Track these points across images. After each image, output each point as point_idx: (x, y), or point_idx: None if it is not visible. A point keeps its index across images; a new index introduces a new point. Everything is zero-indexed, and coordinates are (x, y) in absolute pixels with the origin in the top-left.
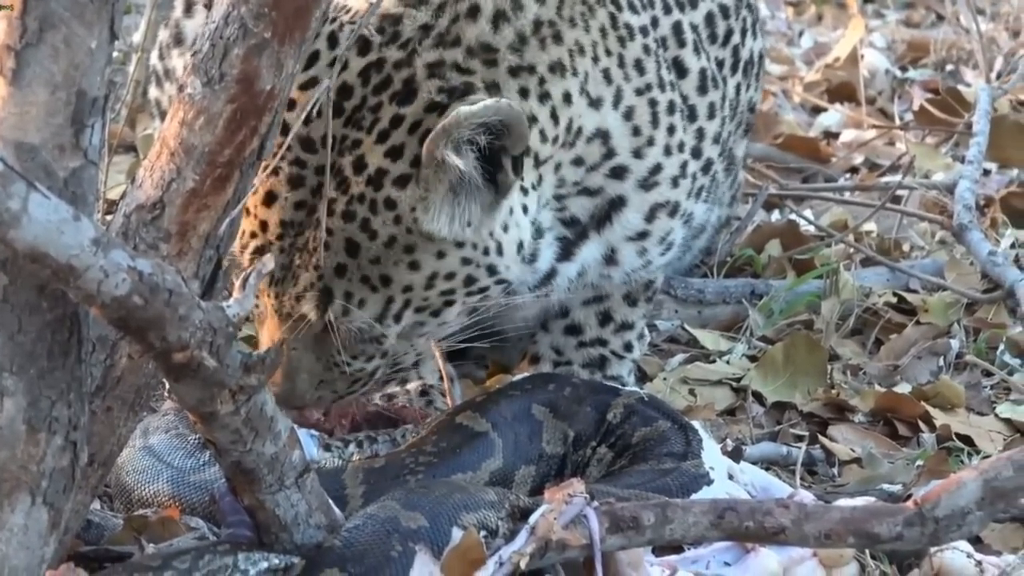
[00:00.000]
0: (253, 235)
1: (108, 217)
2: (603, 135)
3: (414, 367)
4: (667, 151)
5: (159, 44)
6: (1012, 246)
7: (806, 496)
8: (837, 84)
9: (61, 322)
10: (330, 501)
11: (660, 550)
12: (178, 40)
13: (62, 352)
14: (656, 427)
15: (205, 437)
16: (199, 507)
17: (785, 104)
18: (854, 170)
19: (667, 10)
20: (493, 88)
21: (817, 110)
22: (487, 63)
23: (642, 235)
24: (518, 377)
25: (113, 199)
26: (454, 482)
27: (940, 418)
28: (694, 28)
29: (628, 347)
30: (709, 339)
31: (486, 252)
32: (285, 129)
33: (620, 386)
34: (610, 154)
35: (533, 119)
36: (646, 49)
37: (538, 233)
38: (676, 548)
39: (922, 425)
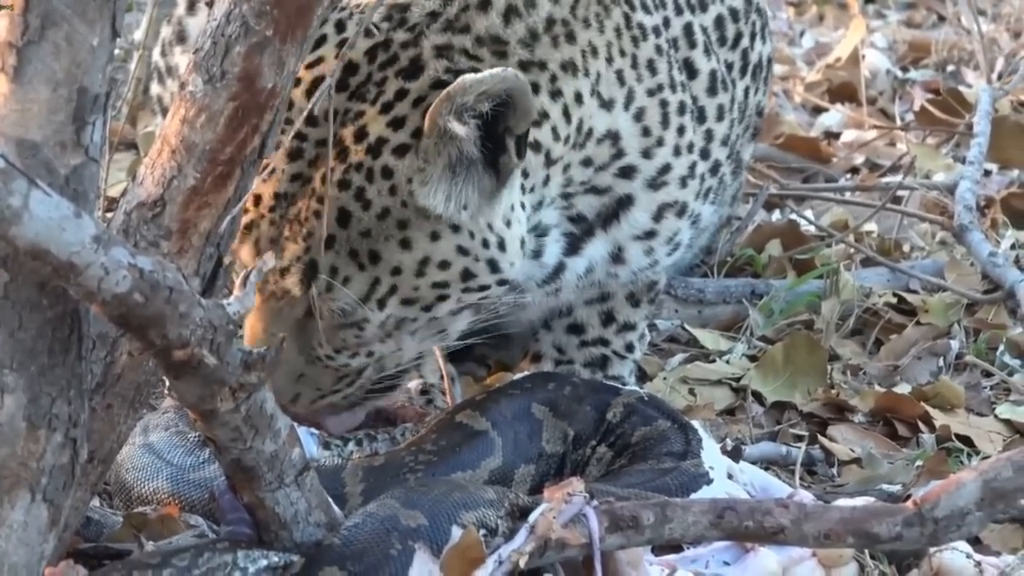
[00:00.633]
0: (245, 210)
1: (109, 214)
2: (613, 136)
3: (402, 375)
4: (676, 151)
5: (161, 41)
6: (1012, 247)
7: (805, 496)
8: (838, 84)
9: (62, 319)
10: (330, 499)
11: (659, 549)
12: (180, 37)
13: (62, 349)
14: (656, 426)
15: (205, 435)
16: (198, 505)
17: (786, 104)
18: (855, 170)
19: (678, 11)
20: None
21: (818, 110)
22: (496, 54)
23: (649, 234)
24: (518, 376)
25: (114, 196)
26: (453, 480)
27: (940, 419)
28: (704, 30)
29: (630, 347)
30: (709, 339)
31: (485, 245)
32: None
33: (620, 385)
34: (619, 154)
35: (545, 115)
36: (658, 49)
37: (543, 230)
38: (675, 547)
39: (922, 425)
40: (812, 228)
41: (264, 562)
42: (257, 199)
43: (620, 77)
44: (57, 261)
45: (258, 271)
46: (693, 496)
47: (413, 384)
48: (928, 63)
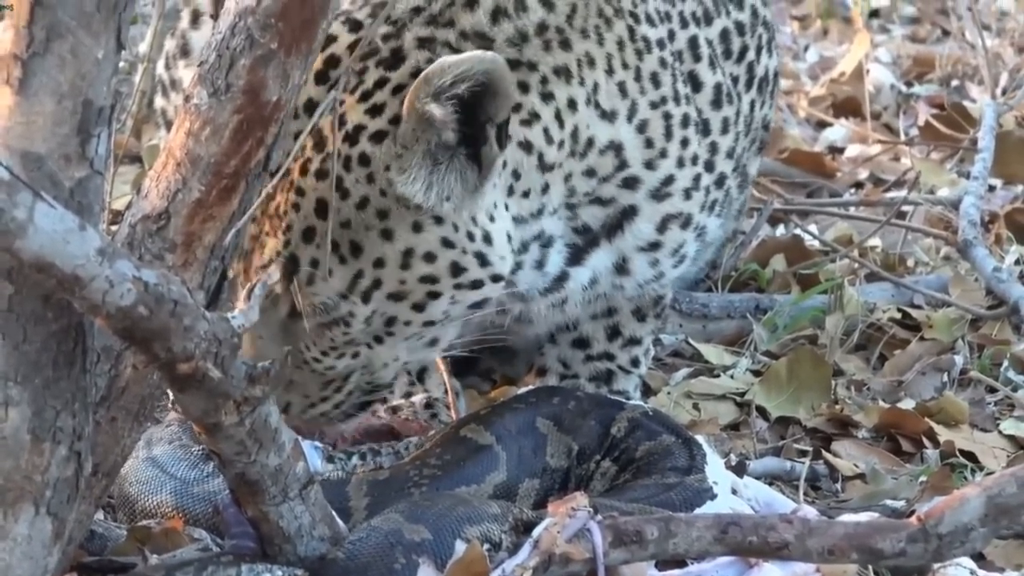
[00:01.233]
0: None
1: (114, 227)
2: (616, 147)
3: (390, 385)
4: (680, 163)
5: (165, 54)
6: (1017, 262)
7: (810, 511)
8: (842, 99)
9: (66, 332)
10: (334, 513)
11: (663, 564)
12: (184, 51)
13: (67, 362)
14: (660, 441)
15: (209, 448)
16: (202, 518)
17: (790, 119)
18: (859, 185)
19: (684, 24)
20: None
21: (822, 125)
22: (481, 49)
23: (654, 246)
24: (523, 390)
25: (119, 209)
26: (458, 495)
27: (944, 434)
28: (710, 43)
29: (635, 362)
30: (713, 353)
31: (471, 238)
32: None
33: (624, 400)
34: (623, 166)
35: (535, 115)
36: (663, 62)
37: (547, 240)
38: (679, 563)
39: (926, 441)
40: (816, 243)
41: (268, 575)
42: None
43: (622, 89)
44: (62, 274)
45: (262, 284)
46: (697, 511)
47: (418, 399)
48: (932, 78)
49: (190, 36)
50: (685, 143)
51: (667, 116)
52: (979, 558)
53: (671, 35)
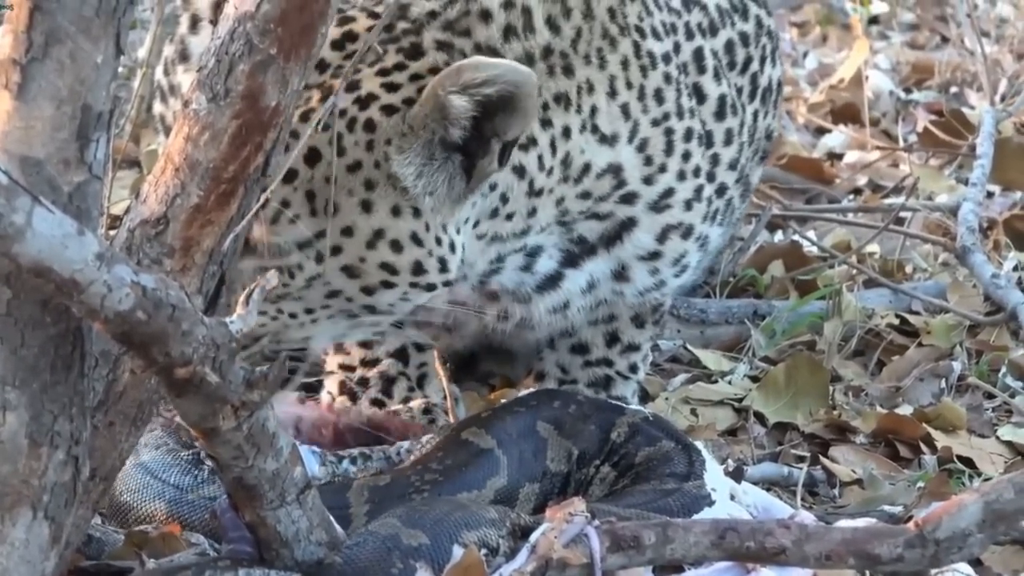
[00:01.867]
0: None
1: (112, 232)
2: (615, 169)
3: (298, 354)
4: (681, 176)
5: (164, 60)
6: (1015, 268)
7: (807, 517)
8: (841, 105)
9: (64, 336)
10: (331, 518)
11: (661, 570)
12: (183, 56)
13: (65, 366)
14: (660, 447)
15: (207, 452)
16: (198, 525)
17: (789, 125)
18: (857, 191)
19: (689, 36)
20: None
21: (821, 131)
22: None
23: (654, 255)
24: (523, 393)
25: (117, 214)
26: (455, 500)
27: (941, 440)
28: (714, 54)
29: (633, 368)
30: (711, 359)
31: (439, 242)
32: None
33: (625, 405)
34: (621, 184)
35: (533, 141)
36: (667, 77)
37: (533, 251)
38: (677, 568)
39: (923, 447)
40: (814, 249)
41: None
42: None
43: (625, 111)
44: (60, 278)
45: (261, 289)
46: (695, 517)
47: (416, 403)
48: (931, 84)
49: (189, 41)
50: (687, 156)
51: (669, 132)
52: (977, 564)
53: (676, 48)
